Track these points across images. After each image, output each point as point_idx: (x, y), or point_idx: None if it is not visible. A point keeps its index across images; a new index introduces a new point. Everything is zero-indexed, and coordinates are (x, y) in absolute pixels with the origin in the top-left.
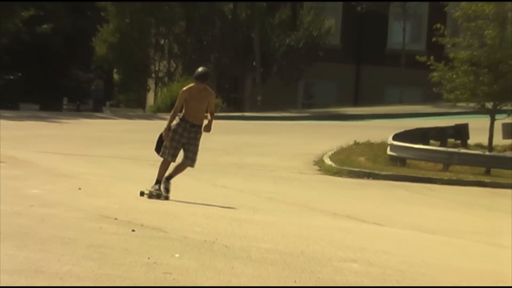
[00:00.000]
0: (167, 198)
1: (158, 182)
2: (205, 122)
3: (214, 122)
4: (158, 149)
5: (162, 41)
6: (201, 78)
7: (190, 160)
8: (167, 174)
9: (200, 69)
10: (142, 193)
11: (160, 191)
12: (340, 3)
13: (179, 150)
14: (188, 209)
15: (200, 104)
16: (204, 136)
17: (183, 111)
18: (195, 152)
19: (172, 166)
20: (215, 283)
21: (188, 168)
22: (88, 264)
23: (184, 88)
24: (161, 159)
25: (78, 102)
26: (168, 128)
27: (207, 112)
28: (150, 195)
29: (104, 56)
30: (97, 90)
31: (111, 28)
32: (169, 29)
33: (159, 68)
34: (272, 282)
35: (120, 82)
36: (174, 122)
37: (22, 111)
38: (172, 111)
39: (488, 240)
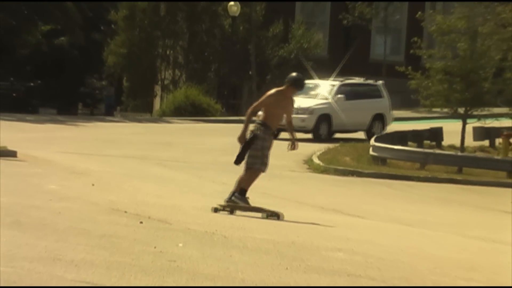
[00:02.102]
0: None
1: (244, 191)
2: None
3: (216, 125)
4: (239, 160)
5: (168, 52)
6: (299, 84)
7: (265, 166)
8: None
9: (296, 74)
10: (215, 210)
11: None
12: (328, 19)
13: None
14: (191, 203)
15: (283, 111)
16: (206, 138)
17: (263, 116)
18: (268, 157)
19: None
20: (214, 270)
21: (191, 167)
22: (101, 252)
23: (272, 92)
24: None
25: (91, 107)
26: (245, 133)
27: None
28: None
29: (115, 65)
30: (108, 96)
31: (120, 40)
32: (175, 42)
33: (164, 76)
34: (266, 269)
35: (129, 89)
36: (255, 128)
37: (41, 115)
38: (250, 113)
39: (460, 231)
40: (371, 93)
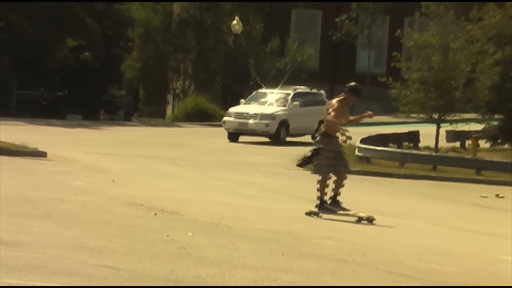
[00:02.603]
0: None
1: (323, 202)
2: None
3: (220, 129)
4: (303, 165)
5: (178, 65)
6: (358, 93)
7: (346, 167)
8: (330, 195)
9: (355, 84)
10: (310, 214)
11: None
12: (319, 35)
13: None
14: (199, 197)
15: (343, 117)
16: (212, 140)
17: (326, 126)
18: (339, 160)
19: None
20: (219, 256)
21: (199, 165)
22: (120, 240)
23: (337, 102)
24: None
25: (112, 113)
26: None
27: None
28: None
29: (132, 77)
30: (127, 104)
31: (136, 55)
32: (185, 56)
33: (176, 86)
34: (264, 255)
35: (145, 97)
36: (319, 140)
37: (68, 120)
38: (338, 122)
39: (434, 221)
40: (317, 101)
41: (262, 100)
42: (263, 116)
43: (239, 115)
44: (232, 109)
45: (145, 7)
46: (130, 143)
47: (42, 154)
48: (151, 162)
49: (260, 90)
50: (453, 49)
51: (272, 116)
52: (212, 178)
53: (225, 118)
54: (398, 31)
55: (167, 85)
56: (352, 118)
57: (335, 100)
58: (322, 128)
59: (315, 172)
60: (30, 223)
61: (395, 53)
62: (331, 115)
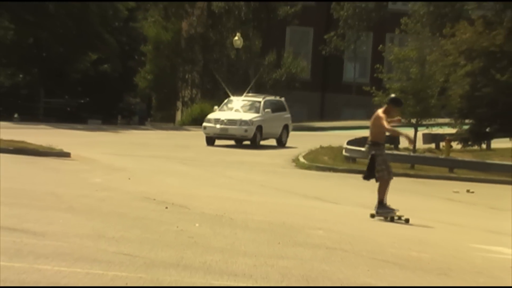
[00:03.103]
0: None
1: (382, 202)
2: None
3: None
4: (369, 177)
5: (186, 76)
6: (399, 103)
7: (391, 174)
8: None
9: (396, 95)
10: (373, 216)
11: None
12: (310, 50)
13: None
14: (205, 192)
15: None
16: (216, 142)
17: (373, 135)
18: (390, 166)
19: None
20: (223, 245)
21: (204, 164)
22: (135, 231)
23: (383, 114)
24: None
25: (128, 119)
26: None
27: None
28: (389, 219)
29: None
30: (141, 110)
31: (149, 68)
32: (192, 68)
33: (184, 94)
34: (263, 244)
35: (156, 104)
36: (371, 150)
37: (89, 125)
38: (390, 127)
39: (412, 214)
40: (281, 107)
41: (236, 107)
42: (242, 122)
43: (219, 121)
44: (211, 116)
45: (157, 25)
46: (143, 145)
47: (66, 155)
48: (162, 162)
49: (232, 98)
50: (429, 61)
51: (250, 122)
52: (216, 175)
53: (205, 124)
54: (381, 46)
55: (176, 94)
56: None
57: (380, 112)
58: (370, 138)
59: (379, 179)
60: (56, 215)
61: (378, 65)
62: (385, 125)
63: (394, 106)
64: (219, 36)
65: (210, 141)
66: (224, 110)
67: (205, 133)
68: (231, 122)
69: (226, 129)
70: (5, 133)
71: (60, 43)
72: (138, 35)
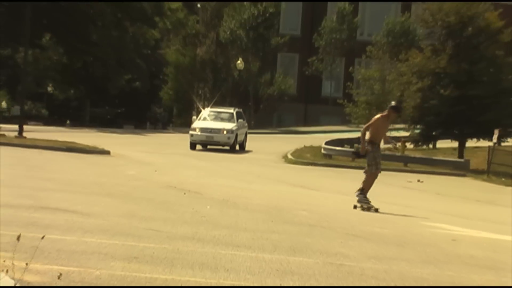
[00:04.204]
0: (377, 210)
1: (365, 192)
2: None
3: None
4: (358, 156)
5: (200, 91)
6: (399, 110)
7: (379, 169)
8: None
9: (396, 102)
10: (355, 207)
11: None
12: (296, 70)
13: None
14: (214, 182)
15: (385, 130)
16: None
17: (370, 135)
18: (380, 163)
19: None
20: (228, 222)
21: (214, 159)
22: (160, 212)
23: (378, 117)
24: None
25: (154, 124)
26: (363, 146)
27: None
28: (366, 209)
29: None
30: (164, 117)
31: (170, 86)
32: (204, 85)
33: (198, 105)
34: (259, 222)
35: (177, 113)
36: (367, 146)
37: (124, 129)
38: (363, 132)
39: (376, 198)
40: (241, 117)
41: (213, 117)
42: (226, 131)
43: (205, 130)
44: (196, 125)
45: (177, 52)
46: (166, 144)
47: (107, 152)
48: (181, 158)
49: (207, 109)
50: (388, 80)
51: (231, 131)
52: (223, 169)
53: (192, 132)
54: (351, 68)
55: (192, 105)
56: (386, 135)
57: (378, 115)
58: (368, 137)
59: (365, 173)
60: (98, 199)
61: (349, 83)
62: (366, 125)
63: (393, 112)
64: (225, 60)
65: (193, 146)
66: (205, 120)
67: (192, 140)
68: (215, 131)
69: (212, 137)
70: (60, 136)
71: (102, 65)
72: (162, 60)
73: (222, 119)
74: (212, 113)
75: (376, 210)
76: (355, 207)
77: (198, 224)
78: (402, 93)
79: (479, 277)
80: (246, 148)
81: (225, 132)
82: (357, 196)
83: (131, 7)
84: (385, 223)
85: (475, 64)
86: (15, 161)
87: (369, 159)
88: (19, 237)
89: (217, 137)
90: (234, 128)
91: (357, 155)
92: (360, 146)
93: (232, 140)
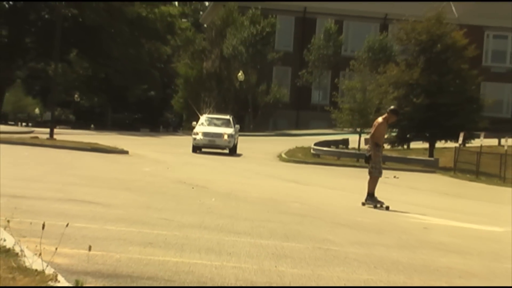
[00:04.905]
0: (387, 208)
1: (372, 194)
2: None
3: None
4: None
5: (206, 99)
6: (398, 113)
7: (381, 173)
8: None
9: (395, 106)
10: (363, 204)
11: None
12: (289, 81)
13: None
14: (218, 177)
15: (385, 132)
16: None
17: (377, 138)
18: (381, 166)
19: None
20: (230, 213)
21: (219, 159)
22: (172, 203)
23: (381, 121)
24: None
25: (167, 128)
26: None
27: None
28: (376, 207)
29: (178, 108)
30: (175, 122)
31: (180, 95)
32: (210, 94)
33: (204, 111)
34: (257, 212)
35: (186, 119)
36: (370, 149)
37: (141, 132)
38: (373, 140)
39: (358, 192)
40: (235, 122)
41: (211, 123)
42: (227, 135)
43: (206, 134)
44: (198, 130)
45: (186, 65)
46: (177, 145)
47: (125, 152)
48: (189, 156)
49: (205, 115)
50: (368, 90)
51: (232, 135)
52: (226, 166)
53: (194, 136)
54: (336, 79)
55: (199, 111)
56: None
57: (379, 119)
58: (375, 140)
59: (370, 174)
60: (118, 193)
61: (334, 92)
62: (373, 130)
63: (392, 115)
64: (228, 73)
65: (196, 149)
66: (205, 125)
67: (195, 143)
68: (217, 135)
69: (214, 141)
70: (85, 138)
71: (121, 77)
72: (173, 72)
73: (221, 125)
74: (210, 119)
75: (387, 208)
76: (363, 204)
77: (204, 214)
78: (381, 101)
79: (447, 260)
80: (246, 149)
81: (226, 136)
82: (366, 202)
83: (147, 28)
84: (366, 213)
85: (444, 76)
86: (46, 160)
87: (376, 162)
88: (43, 226)
89: (218, 141)
90: (233, 133)
91: (369, 159)
92: (369, 151)
93: (232, 144)
